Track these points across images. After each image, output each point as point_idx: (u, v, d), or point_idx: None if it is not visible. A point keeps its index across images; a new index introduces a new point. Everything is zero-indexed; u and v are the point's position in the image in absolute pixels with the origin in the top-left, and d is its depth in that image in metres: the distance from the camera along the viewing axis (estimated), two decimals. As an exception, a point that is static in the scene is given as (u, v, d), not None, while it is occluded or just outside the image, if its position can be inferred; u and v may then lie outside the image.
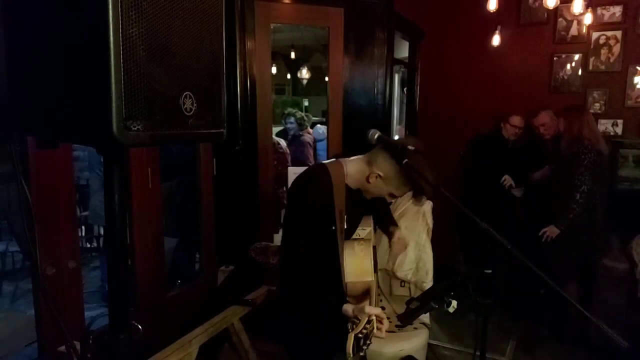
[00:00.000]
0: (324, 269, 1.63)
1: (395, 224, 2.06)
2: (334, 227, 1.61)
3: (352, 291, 1.64)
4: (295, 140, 5.23)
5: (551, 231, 3.15)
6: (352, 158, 1.74)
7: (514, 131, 3.87)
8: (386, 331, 1.48)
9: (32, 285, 2.28)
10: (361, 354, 1.40)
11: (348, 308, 1.51)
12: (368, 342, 1.39)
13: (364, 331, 1.37)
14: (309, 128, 5.50)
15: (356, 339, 1.35)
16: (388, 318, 1.53)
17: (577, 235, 3.11)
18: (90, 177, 3.79)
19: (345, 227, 1.66)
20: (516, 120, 3.86)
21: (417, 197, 1.69)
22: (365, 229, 1.79)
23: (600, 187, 3.14)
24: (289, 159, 4.74)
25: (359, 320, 1.41)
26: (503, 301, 3.61)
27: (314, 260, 1.60)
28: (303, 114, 5.54)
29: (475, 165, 4.06)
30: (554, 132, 3.66)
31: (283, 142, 4.75)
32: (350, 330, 1.39)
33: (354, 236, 1.77)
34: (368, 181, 1.63)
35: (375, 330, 1.42)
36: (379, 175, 1.60)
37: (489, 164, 3.90)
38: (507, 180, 3.77)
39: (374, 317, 1.43)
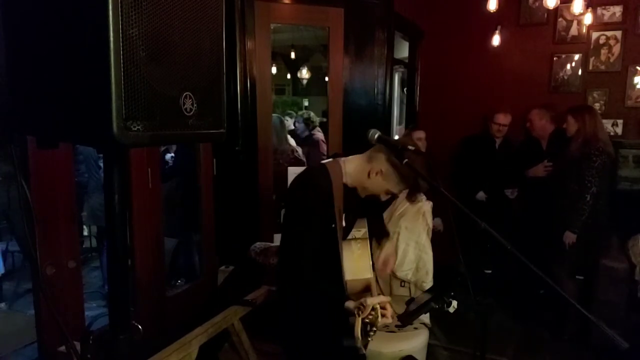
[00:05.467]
0: (326, 267, 1.64)
1: (387, 234, 2.05)
2: (333, 225, 1.63)
3: (352, 289, 1.67)
4: (307, 141, 5.13)
5: (569, 238, 3.12)
6: (350, 157, 1.76)
7: (498, 128, 3.88)
8: (386, 331, 1.49)
9: (32, 285, 2.28)
10: (369, 339, 1.44)
11: (350, 304, 1.53)
12: (374, 328, 1.43)
13: (370, 317, 1.41)
14: (318, 127, 5.35)
15: (363, 323, 1.40)
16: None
17: (580, 236, 3.11)
18: (88, 178, 3.78)
19: (344, 225, 1.69)
20: (500, 117, 3.87)
21: (412, 196, 1.70)
22: (360, 230, 1.83)
23: (606, 189, 3.15)
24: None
25: (364, 306, 1.44)
26: (503, 301, 3.61)
27: (316, 259, 1.62)
28: (311, 114, 5.41)
29: (464, 165, 4.07)
30: (540, 131, 3.69)
31: (300, 149, 4.69)
32: (357, 316, 1.42)
33: (350, 237, 1.80)
34: (369, 176, 1.65)
35: (380, 318, 1.45)
36: (380, 171, 1.62)
37: (476, 165, 3.91)
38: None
39: (377, 306, 1.45)
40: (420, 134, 3.79)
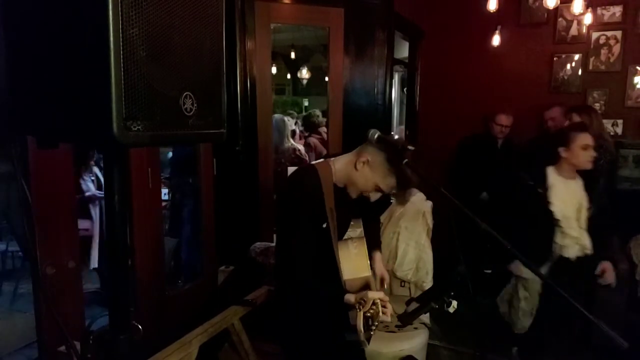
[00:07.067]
0: (322, 266, 1.65)
1: (379, 246, 2.03)
2: (325, 225, 1.65)
3: (351, 288, 1.68)
4: (308, 141, 5.04)
5: None
6: (339, 156, 1.78)
7: (500, 129, 3.87)
8: (386, 331, 1.50)
9: (32, 285, 2.28)
10: (371, 332, 1.46)
11: (350, 297, 1.54)
12: (376, 323, 1.45)
13: (371, 311, 1.43)
14: (320, 128, 4.98)
15: (365, 317, 1.42)
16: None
17: None
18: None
19: (337, 225, 1.70)
20: (502, 118, 3.85)
21: (401, 194, 1.70)
22: (356, 230, 1.83)
23: (608, 187, 3.16)
24: None
25: (365, 301, 1.45)
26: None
27: (312, 258, 1.62)
28: (315, 115, 5.17)
29: (464, 165, 4.05)
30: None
31: (302, 148, 4.66)
32: (358, 310, 1.43)
33: (346, 237, 1.80)
34: (356, 168, 1.65)
35: (380, 314, 1.45)
36: (367, 161, 1.63)
37: (477, 165, 3.89)
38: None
39: (378, 301, 1.46)
40: (587, 139, 2.52)
